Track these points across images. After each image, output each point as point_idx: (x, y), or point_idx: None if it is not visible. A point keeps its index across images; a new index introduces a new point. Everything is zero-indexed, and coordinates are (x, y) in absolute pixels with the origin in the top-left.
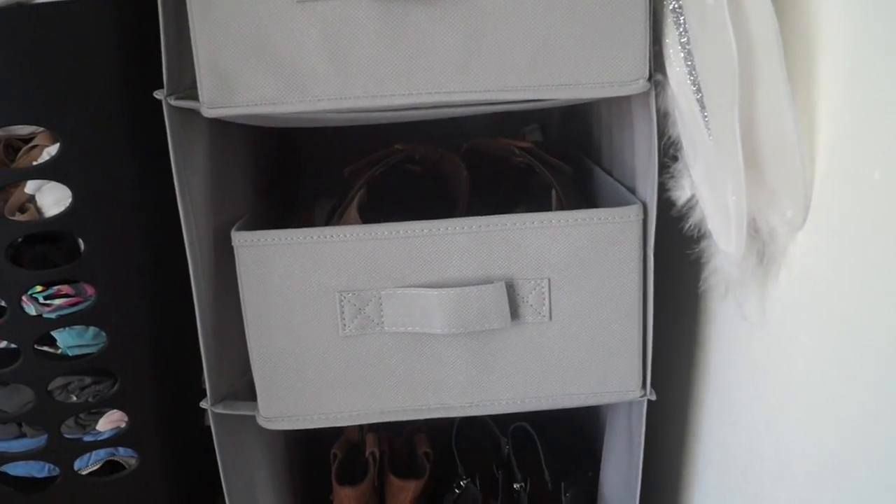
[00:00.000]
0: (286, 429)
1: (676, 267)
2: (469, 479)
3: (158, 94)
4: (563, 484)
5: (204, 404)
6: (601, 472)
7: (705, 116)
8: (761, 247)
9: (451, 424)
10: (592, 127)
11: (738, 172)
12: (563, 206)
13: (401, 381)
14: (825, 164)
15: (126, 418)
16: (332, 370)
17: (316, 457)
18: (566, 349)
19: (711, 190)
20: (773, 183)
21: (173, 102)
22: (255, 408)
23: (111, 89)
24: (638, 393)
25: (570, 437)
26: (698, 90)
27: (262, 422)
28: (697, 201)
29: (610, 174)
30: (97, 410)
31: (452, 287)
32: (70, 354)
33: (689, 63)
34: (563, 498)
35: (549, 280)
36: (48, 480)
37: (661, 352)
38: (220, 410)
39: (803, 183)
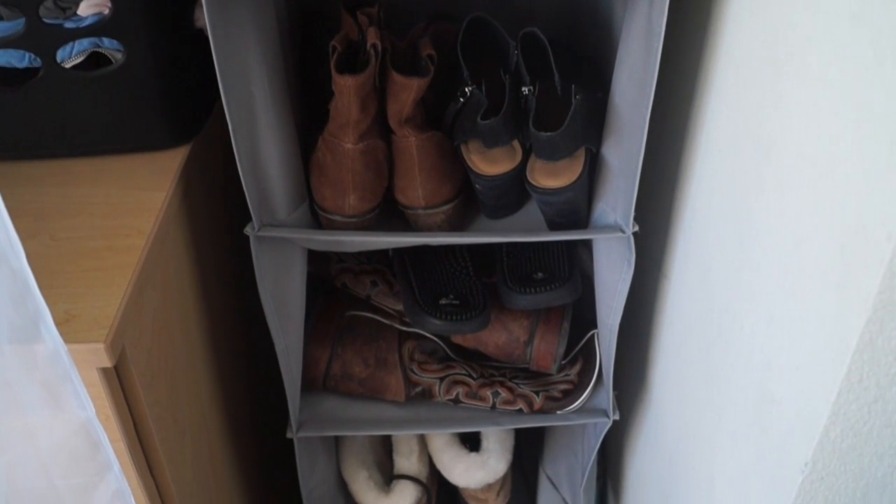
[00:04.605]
0: None
1: None
2: (475, 86)
3: None
4: (573, 86)
5: None
6: (613, 80)
7: None
8: None
9: (457, 33)
10: None
11: None
12: None
13: None
14: None
15: (109, 3)
16: None
17: (313, 51)
18: None
19: None
20: None
21: None
22: None
23: None
24: None
25: (581, 57)
26: None
27: None
28: None
29: None
30: None
31: None
32: None
33: None
34: (573, 99)
35: None
36: (30, 72)
37: None
38: None
39: None
